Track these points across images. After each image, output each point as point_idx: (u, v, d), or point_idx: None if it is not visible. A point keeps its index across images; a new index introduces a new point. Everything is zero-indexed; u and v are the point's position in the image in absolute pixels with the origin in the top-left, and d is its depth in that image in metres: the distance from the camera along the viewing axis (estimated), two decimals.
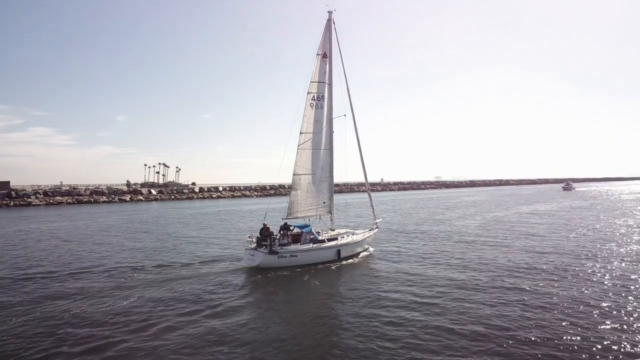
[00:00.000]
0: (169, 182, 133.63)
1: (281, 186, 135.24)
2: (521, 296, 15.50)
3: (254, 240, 21.95)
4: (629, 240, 28.26)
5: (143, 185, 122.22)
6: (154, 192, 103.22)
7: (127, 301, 15.58)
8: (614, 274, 18.52)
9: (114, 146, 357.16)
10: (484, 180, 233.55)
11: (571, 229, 34.22)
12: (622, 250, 24.52)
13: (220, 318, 13.87)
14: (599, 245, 25.87)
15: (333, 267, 21.77)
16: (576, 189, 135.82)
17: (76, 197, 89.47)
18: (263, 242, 21.33)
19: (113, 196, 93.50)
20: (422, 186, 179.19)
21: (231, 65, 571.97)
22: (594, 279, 17.77)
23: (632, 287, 16.36)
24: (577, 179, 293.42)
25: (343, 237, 24.30)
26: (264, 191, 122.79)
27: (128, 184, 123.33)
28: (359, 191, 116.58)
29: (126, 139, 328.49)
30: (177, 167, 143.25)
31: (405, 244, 28.19)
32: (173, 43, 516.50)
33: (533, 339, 11.64)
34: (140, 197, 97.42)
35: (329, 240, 23.23)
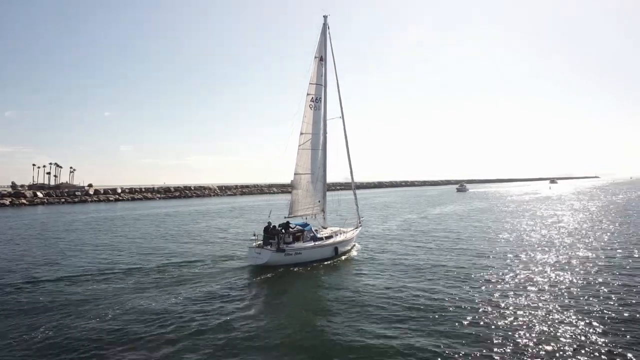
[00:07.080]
0: (62, 183, 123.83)
1: (187, 187, 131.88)
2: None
3: (259, 238, 22.75)
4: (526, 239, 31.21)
5: (30, 187, 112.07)
6: (40, 194, 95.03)
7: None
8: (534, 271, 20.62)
9: None
10: (391, 182, 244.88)
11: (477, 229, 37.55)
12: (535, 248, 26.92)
13: (232, 317, 14.43)
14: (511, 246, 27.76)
15: (332, 264, 23.16)
16: (469, 190, 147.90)
17: None
18: (270, 240, 22.10)
19: None
20: (332, 187, 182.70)
21: (136, 61, 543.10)
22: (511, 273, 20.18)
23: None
24: (473, 180, 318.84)
25: (337, 234, 25.49)
26: (167, 193, 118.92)
27: (14, 186, 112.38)
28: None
29: (14, 137, 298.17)
30: (71, 168, 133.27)
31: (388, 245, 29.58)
32: (74, 35, 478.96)
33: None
34: (24, 201, 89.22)
35: (326, 238, 24.52)
